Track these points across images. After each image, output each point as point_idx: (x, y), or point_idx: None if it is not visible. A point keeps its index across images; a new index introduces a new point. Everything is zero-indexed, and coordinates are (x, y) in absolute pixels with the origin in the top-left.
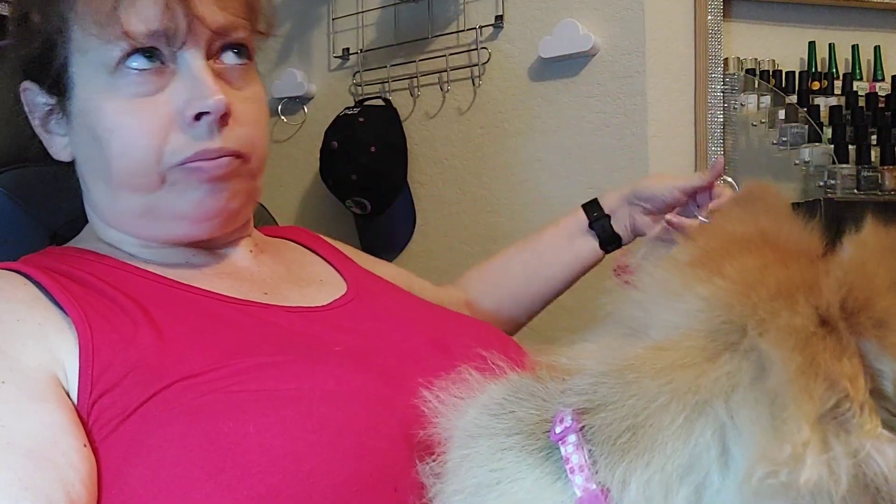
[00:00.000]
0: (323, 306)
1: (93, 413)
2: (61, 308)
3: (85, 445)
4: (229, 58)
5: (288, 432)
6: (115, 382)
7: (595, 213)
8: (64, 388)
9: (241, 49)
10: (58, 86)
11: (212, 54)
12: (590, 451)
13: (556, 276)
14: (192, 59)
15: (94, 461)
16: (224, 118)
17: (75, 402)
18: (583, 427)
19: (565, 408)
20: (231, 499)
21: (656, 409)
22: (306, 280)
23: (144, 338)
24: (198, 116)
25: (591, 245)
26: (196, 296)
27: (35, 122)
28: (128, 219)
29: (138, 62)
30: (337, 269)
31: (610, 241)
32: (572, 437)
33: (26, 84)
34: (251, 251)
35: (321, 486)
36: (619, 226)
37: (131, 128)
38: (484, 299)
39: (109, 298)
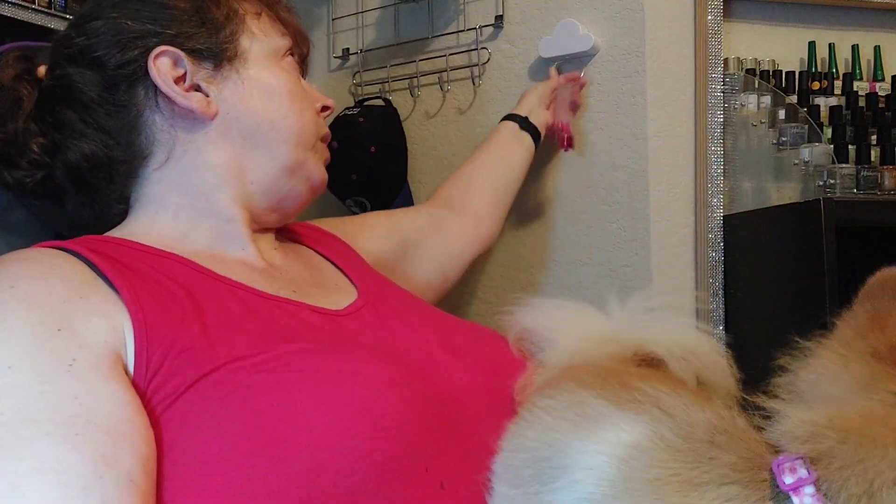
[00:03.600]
0: (340, 310)
1: (148, 391)
2: (113, 288)
3: (149, 423)
4: None
5: (332, 412)
6: (167, 362)
7: (517, 117)
8: (125, 366)
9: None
10: (225, 58)
11: None
12: None
13: (517, 169)
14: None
15: (154, 438)
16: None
17: (132, 379)
18: (817, 479)
19: (789, 454)
20: (281, 472)
21: (888, 482)
22: (324, 285)
23: (191, 322)
24: (323, 109)
25: (528, 140)
26: (234, 288)
27: (159, 82)
28: (271, 172)
29: (292, 58)
30: (347, 275)
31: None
32: (809, 489)
33: (173, 51)
34: (276, 248)
35: (363, 463)
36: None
37: (304, 97)
38: (472, 201)
39: (157, 282)
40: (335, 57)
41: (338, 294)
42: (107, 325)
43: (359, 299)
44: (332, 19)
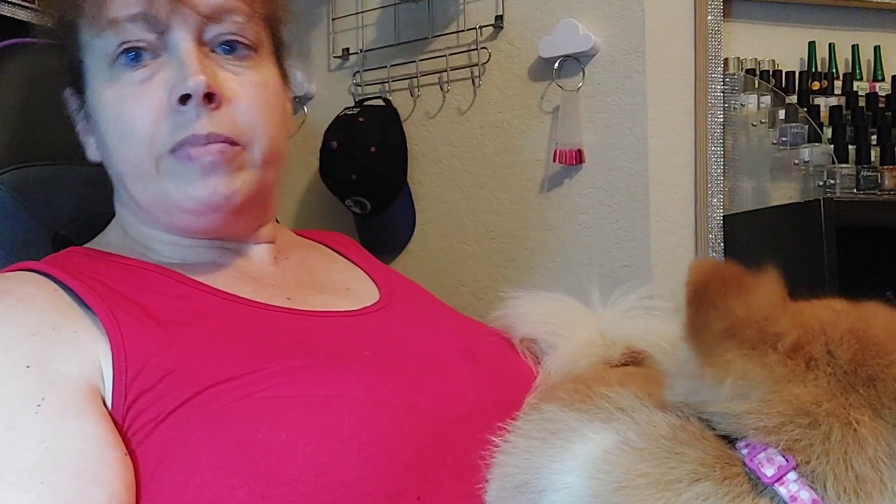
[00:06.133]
0: (351, 311)
1: (127, 418)
2: (90, 310)
3: (125, 454)
4: (221, 51)
5: (318, 441)
6: (148, 387)
7: None
8: (101, 395)
9: (234, 45)
10: (79, 86)
11: (205, 42)
12: (813, 489)
13: None
14: (180, 42)
15: (133, 467)
16: (211, 99)
17: (109, 407)
18: (797, 465)
19: (753, 444)
20: None
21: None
22: (331, 287)
23: (176, 343)
24: (183, 100)
25: None
26: (223, 300)
27: (77, 128)
28: (149, 211)
29: (128, 57)
30: (371, 277)
31: None
32: (793, 475)
33: (67, 91)
34: (275, 256)
35: (350, 495)
36: None
37: (125, 114)
38: None
39: (139, 305)
40: (335, 57)
41: (346, 297)
42: (80, 356)
43: (380, 301)
44: (332, 19)
